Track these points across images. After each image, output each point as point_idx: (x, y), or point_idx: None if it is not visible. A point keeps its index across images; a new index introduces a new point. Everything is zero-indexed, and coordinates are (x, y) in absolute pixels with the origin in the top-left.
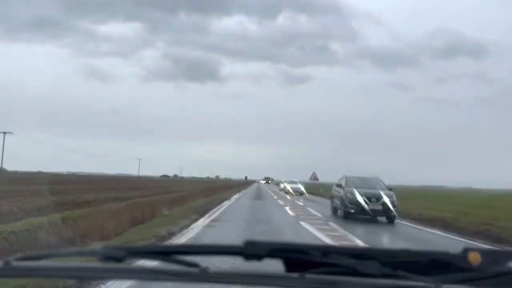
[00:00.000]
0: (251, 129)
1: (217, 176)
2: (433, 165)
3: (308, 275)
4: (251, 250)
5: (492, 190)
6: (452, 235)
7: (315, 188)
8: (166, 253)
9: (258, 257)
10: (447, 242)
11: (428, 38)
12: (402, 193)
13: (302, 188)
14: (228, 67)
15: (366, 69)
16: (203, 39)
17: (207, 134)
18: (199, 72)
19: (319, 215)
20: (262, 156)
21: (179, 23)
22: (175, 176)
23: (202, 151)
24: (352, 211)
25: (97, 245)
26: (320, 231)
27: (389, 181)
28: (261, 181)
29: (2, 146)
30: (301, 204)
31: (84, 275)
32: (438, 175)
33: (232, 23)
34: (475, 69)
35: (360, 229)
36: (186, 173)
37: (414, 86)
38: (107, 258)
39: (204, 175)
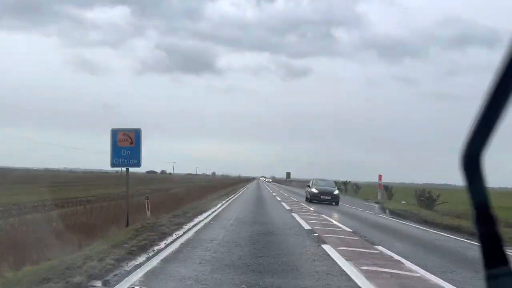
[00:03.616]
0: (248, 125)
1: (214, 173)
2: (438, 162)
3: None
4: None
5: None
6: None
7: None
8: None
9: None
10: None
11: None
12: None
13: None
14: (224, 58)
15: (371, 60)
16: (196, 26)
17: (200, 129)
18: (194, 63)
19: None
20: (261, 153)
21: (170, 7)
22: (163, 172)
23: (193, 147)
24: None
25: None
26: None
27: (390, 179)
28: (261, 179)
29: None
30: None
31: None
32: (444, 173)
33: (227, 6)
34: (486, 61)
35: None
36: (176, 169)
37: (421, 79)
38: None
39: (197, 171)
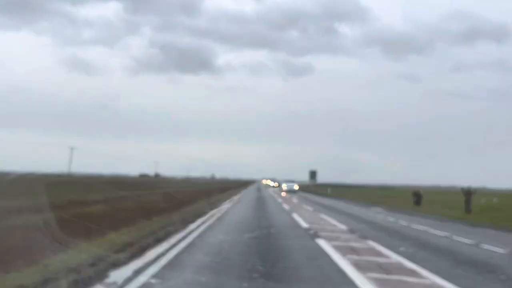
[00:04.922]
0: (249, 125)
1: (213, 176)
2: (445, 163)
3: None
4: None
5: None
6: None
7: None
8: None
9: None
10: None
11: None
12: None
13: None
14: (222, 56)
15: (376, 57)
16: (193, 22)
17: (200, 130)
18: (191, 61)
19: None
20: (262, 154)
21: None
22: (157, 175)
23: (193, 148)
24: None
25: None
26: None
27: (396, 181)
28: (264, 182)
29: None
30: None
31: None
32: (453, 174)
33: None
34: (495, 58)
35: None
36: (175, 172)
37: (426, 76)
38: None
39: (195, 174)
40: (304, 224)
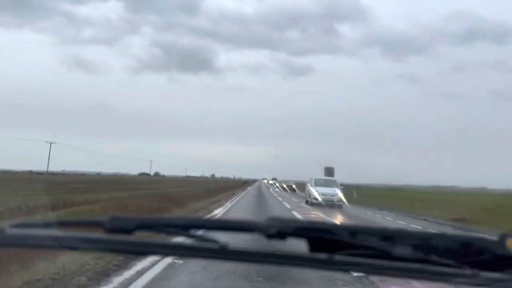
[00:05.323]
0: (250, 125)
1: (213, 175)
2: (446, 164)
3: (337, 257)
4: (274, 228)
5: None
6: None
7: None
8: (182, 227)
9: (281, 235)
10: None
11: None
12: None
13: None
14: (223, 55)
15: (376, 57)
16: (193, 22)
17: (200, 130)
18: (191, 61)
19: None
20: (263, 154)
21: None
22: (156, 174)
23: (193, 148)
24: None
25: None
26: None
27: (397, 180)
28: (265, 181)
29: None
30: None
31: (85, 247)
32: (451, 175)
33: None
34: (495, 58)
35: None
36: (172, 171)
37: (425, 77)
38: (114, 229)
39: (194, 173)
40: None
